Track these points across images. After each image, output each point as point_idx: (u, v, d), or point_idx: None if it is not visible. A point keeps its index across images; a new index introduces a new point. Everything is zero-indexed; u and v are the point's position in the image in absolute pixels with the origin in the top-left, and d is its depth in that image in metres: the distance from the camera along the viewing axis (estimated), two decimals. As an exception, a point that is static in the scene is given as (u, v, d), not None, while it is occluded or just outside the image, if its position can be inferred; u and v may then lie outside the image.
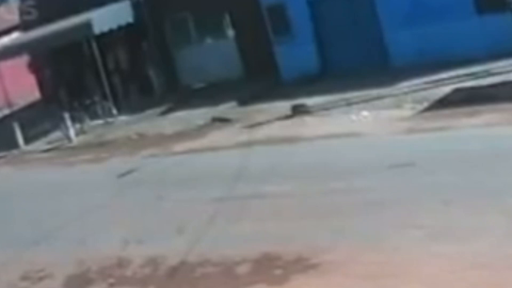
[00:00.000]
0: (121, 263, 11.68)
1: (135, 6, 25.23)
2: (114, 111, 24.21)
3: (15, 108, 30.30)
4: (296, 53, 21.59)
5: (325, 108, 18.14)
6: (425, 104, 16.33)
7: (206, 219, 12.37)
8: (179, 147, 18.58)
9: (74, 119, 23.43)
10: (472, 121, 14.27)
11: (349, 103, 17.90)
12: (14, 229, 15.04)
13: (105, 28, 24.04)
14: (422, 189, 11.35)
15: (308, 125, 17.22)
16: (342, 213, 11.21)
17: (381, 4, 20.32)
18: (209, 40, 25.49)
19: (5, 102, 30.76)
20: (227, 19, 24.66)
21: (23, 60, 29.24)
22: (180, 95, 24.53)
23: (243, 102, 21.24)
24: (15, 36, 28.80)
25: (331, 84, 19.70)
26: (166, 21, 25.69)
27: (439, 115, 15.41)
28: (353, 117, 16.86)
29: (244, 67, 24.06)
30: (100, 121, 24.08)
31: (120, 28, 24.64)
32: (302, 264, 9.92)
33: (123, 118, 23.81)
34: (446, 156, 12.51)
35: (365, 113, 16.89)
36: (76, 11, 24.66)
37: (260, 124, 18.42)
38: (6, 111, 30.28)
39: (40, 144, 23.82)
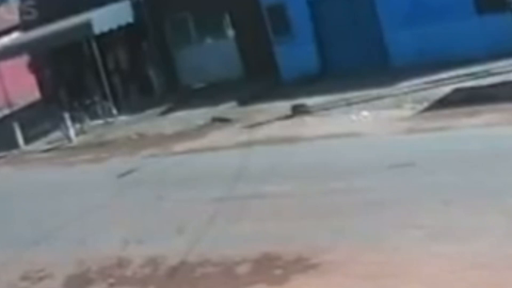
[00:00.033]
0: (121, 263, 11.68)
1: (135, 6, 25.23)
2: (114, 111, 24.21)
3: (15, 108, 30.30)
4: (296, 53, 21.59)
5: (325, 108, 18.14)
6: (425, 104, 16.33)
7: (206, 219, 12.37)
8: (179, 147, 18.58)
9: (74, 119, 23.43)
10: (472, 121, 14.27)
11: (349, 103, 17.90)
12: (14, 229, 15.04)
13: (105, 28, 24.04)
14: (422, 189, 11.35)
15: (308, 125, 17.22)
16: (342, 213, 11.21)
17: (381, 4, 20.32)
18: (209, 40, 25.49)
19: (5, 102, 30.76)
20: (227, 19, 24.66)
21: (23, 60, 29.24)
22: (180, 95, 24.53)
23: (243, 102, 21.24)
24: (15, 36, 28.80)
25: (331, 84, 19.70)
26: (166, 21, 25.69)
27: (439, 115, 15.41)
28: (353, 117, 16.86)
29: (244, 67, 24.06)
30: (100, 121, 24.08)
31: (120, 28, 24.64)
32: (302, 264, 9.92)
33: (123, 118, 23.81)
34: (446, 156, 12.51)
35: (365, 113, 16.89)
36: (76, 11, 24.66)
37: (260, 124, 18.42)
38: (6, 111, 30.28)
39: (40, 144, 23.82)
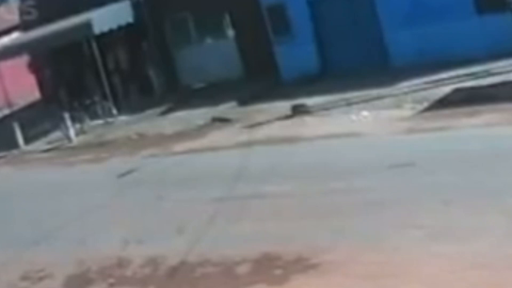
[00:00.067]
0: (121, 263, 11.68)
1: (135, 6, 25.23)
2: (114, 111, 24.21)
3: (15, 108, 30.30)
4: (296, 53, 21.59)
5: (325, 108, 18.14)
6: (425, 104, 16.33)
7: (206, 219, 12.37)
8: (179, 147, 18.58)
9: (74, 119, 23.43)
10: (472, 121, 14.27)
11: (349, 103, 17.90)
12: (14, 229, 15.04)
13: (105, 28, 24.04)
14: (422, 189, 11.35)
15: (308, 125, 17.22)
16: (342, 213, 11.21)
17: (381, 4, 20.32)
18: (209, 40, 25.49)
19: (5, 102, 30.76)
20: (227, 19, 24.66)
21: (23, 60, 29.24)
22: (180, 95, 24.53)
23: (243, 102, 21.24)
24: (15, 36, 28.80)
25: (331, 84, 19.70)
26: (166, 21, 25.69)
27: (439, 115, 15.41)
28: (353, 117, 16.86)
29: (244, 67, 24.07)
30: (100, 121, 24.08)
31: (120, 28, 24.64)
32: (302, 264, 9.92)
33: (123, 118, 23.81)
34: (446, 156, 12.51)
35: (365, 113, 16.89)
36: (76, 11, 24.66)
37: (260, 124, 18.41)
38: (6, 111, 30.28)
39: (40, 144, 23.82)
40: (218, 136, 18.60)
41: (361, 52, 20.76)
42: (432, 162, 12.36)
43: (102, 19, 24.06)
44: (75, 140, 22.85)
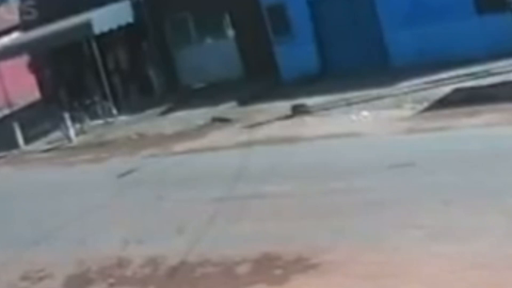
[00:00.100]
0: (121, 263, 11.68)
1: (135, 6, 25.23)
2: (114, 111, 24.21)
3: (15, 108, 30.30)
4: (296, 53, 21.59)
5: (325, 108, 18.14)
6: (425, 104, 16.33)
7: (206, 219, 12.37)
8: (179, 147, 18.58)
9: (74, 119, 23.43)
10: (472, 121, 14.27)
11: (349, 103, 17.90)
12: (14, 229, 15.04)
13: (105, 28, 24.04)
14: (422, 189, 11.35)
15: (308, 125, 17.22)
16: (342, 213, 11.21)
17: (381, 4, 20.32)
18: (209, 40, 25.50)
19: (5, 102, 30.76)
20: (227, 19, 24.66)
21: (23, 60, 29.24)
22: (180, 95, 24.53)
23: (243, 102, 21.24)
24: (15, 36, 28.80)
25: (331, 84, 19.70)
26: (166, 21, 25.69)
27: (439, 115, 15.41)
28: (353, 117, 16.86)
29: (244, 67, 24.07)
30: (100, 121, 24.08)
31: (120, 28, 24.64)
32: (302, 264, 9.92)
33: (123, 118, 23.81)
34: (446, 156, 12.51)
35: (365, 113, 16.89)
36: (76, 11, 24.66)
37: (260, 124, 18.42)
38: (6, 111, 30.28)
39: (40, 144, 23.82)
40: (218, 136, 18.60)
41: (361, 52, 20.76)
42: (432, 162, 12.36)
43: (102, 19, 24.06)
44: (75, 140, 22.85)
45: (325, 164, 13.75)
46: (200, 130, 19.75)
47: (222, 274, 10.37)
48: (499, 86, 15.91)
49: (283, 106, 18.82)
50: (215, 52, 24.65)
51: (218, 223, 12.14)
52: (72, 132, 22.97)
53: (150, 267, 11.28)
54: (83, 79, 26.64)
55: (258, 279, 9.95)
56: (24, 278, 12.21)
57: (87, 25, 23.65)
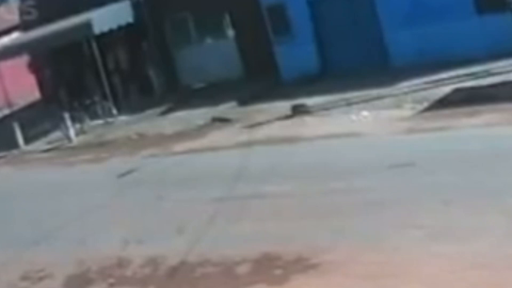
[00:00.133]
0: (121, 263, 11.68)
1: (135, 6, 25.23)
2: (114, 111, 24.21)
3: (15, 108, 30.30)
4: (296, 53, 21.59)
5: (325, 108, 18.14)
6: (425, 104, 16.33)
7: (206, 219, 12.37)
8: (179, 147, 18.58)
9: (74, 119, 23.44)
10: (472, 121, 14.27)
11: (349, 103, 17.90)
12: (14, 229, 15.04)
13: (105, 28, 24.04)
14: (422, 189, 11.35)
15: (308, 125, 17.22)
16: (342, 213, 11.21)
17: (381, 4, 20.32)
18: (209, 40, 25.50)
19: (5, 102, 30.77)
20: (227, 19, 24.67)
21: (23, 60, 29.24)
22: (180, 95, 24.54)
23: (243, 102, 21.24)
24: (15, 36, 28.81)
25: (331, 84, 19.70)
26: (166, 21, 25.69)
27: (439, 115, 15.41)
28: (353, 117, 16.86)
29: (244, 67, 24.07)
30: (100, 121, 24.08)
31: (120, 28, 24.64)
32: (302, 264, 9.92)
33: (123, 118, 23.81)
34: (446, 156, 12.50)
35: (365, 113, 16.89)
36: (76, 11, 24.66)
37: (260, 124, 18.41)
38: (6, 111, 30.28)
39: (40, 144, 23.82)
40: (218, 136, 18.60)
41: (361, 52, 20.76)
42: (432, 162, 12.36)
43: (102, 19, 24.06)
44: (75, 140, 22.85)
45: (325, 164, 13.75)
46: (200, 130, 19.75)
47: (222, 274, 10.37)
48: (499, 86, 15.91)
49: (283, 106, 18.82)
50: (215, 52, 24.65)
51: (218, 223, 12.14)
52: (72, 132, 22.98)
53: (150, 267, 11.28)
54: (83, 79, 26.64)
55: (258, 279, 9.95)
56: (24, 278, 12.21)
57: (87, 25, 23.65)
